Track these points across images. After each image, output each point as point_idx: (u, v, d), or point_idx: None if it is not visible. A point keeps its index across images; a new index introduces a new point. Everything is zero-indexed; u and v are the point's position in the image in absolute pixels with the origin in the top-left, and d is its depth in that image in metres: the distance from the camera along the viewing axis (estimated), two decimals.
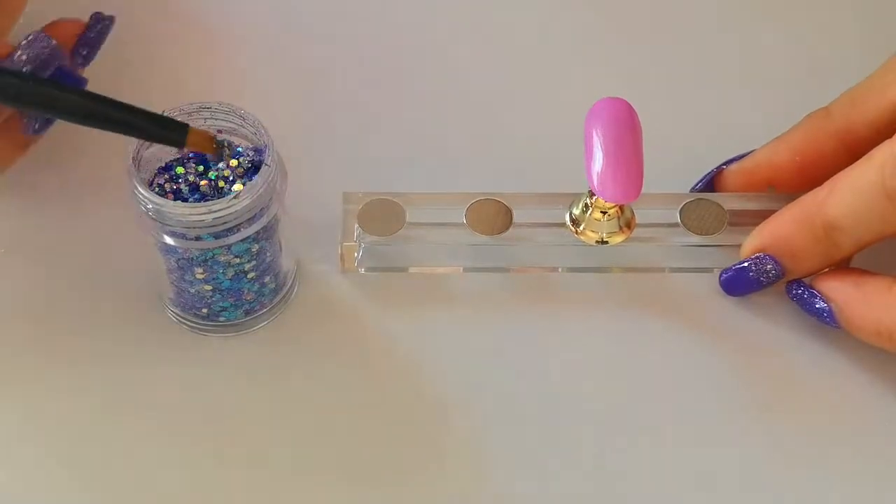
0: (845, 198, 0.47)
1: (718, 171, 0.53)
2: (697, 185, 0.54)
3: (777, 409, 0.49)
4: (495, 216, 0.51)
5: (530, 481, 0.48)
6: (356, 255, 0.51)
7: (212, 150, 0.46)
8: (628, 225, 0.51)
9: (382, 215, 0.51)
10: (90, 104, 0.45)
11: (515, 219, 0.51)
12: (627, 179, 0.48)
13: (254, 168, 0.46)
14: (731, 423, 0.49)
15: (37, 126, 0.50)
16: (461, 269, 0.52)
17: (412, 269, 0.52)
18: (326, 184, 0.54)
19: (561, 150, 0.53)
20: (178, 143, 0.45)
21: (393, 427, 0.49)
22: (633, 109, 0.49)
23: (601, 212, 0.50)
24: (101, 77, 0.56)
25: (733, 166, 0.53)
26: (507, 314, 0.51)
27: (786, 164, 0.51)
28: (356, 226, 0.51)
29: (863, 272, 0.49)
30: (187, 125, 0.45)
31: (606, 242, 0.51)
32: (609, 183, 0.48)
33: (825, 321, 0.49)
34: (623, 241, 0.51)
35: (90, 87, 0.50)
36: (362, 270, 0.52)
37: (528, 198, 0.52)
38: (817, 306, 0.49)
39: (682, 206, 0.52)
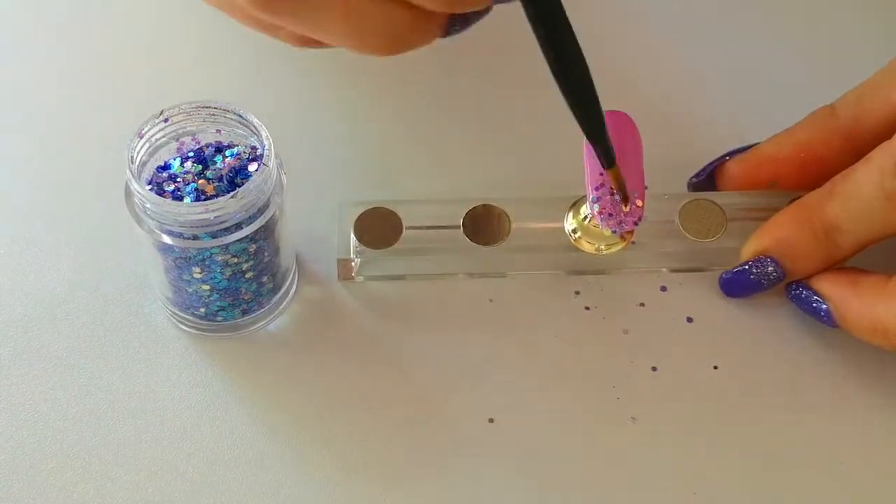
0: (845, 200, 0.47)
1: (720, 162, 0.53)
2: (699, 176, 0.53)
3: (777, 409, 0.49)
4: (494, 223, 0.51)
5: (531, 480, 0.47)
6: (353, 265, 0.51)
7: (620, 193, 0.48)
8: (629, 232, 0.51)
9: (379, 224, 0.51)
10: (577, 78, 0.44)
11: (514, 225, 0.51)
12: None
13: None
14: (731, 424, 0.49)
15: (457, 28, 0.45)
16: (459, 275, 0.52)
17: (410, 277, 0.52)
18: (326, 186, 0.54)
19: (560, 154, 0.53)
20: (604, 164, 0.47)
21: (391, 428, 0.49)
22: (633, 124, 0.48)
23: None
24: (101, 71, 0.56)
25: (736, 159, 0.52)
26: (507, 320, 0.51)
27: (790, 159, 0.51)
28: (353, 237, 0.50)
29: (859, 271, 0.49)
30: (614, 163, 0.46)
31: (603, 252, 0.51)
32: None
33: (823, 321, 0.49)
34: (621, 250, 0.51)
35: None
36: (360, 279, 0.52)
37: (526, 204, 0.51)
38: (815, 306, 0.49)
39: (681, 207, 0.52)
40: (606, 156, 0.46)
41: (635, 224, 0.48)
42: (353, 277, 0.52)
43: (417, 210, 0.51)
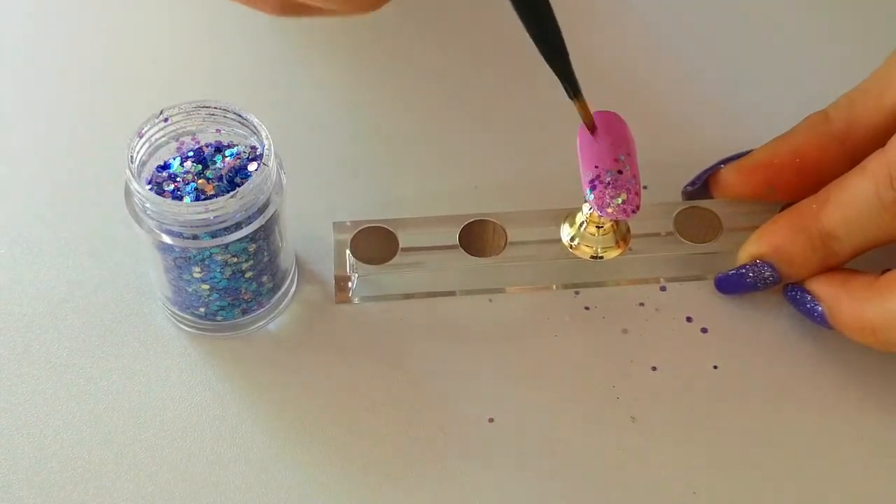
0: (840, 208, 0.47)
1: (715, 169, 0.53)
2: (694, 184, 0.53)
3: (776, 409, 0.49)
4: (489, 236, 0.51)
5: (531, 480, 0.47)
6: (350, 285, 0.51)
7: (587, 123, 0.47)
8: (624, 239, 0.51)
9: (374, 243, 0.50)
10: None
11: (510, 238, 0.51)
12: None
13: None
14: (731, 424, 0.49)
15: None
16: (457, 291, 0.52)
17: (408, 297, 0.52)
18: (326, 186, 0.54)
19: (554, 165, 0.53)
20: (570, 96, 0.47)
21: (391, 427, 0.49)
22: (623, 122, 0.48)
23: (596, 226, 0.50)
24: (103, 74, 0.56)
25: (731, 166, 0.52)
26: (506, 319, 0.51)
27: (786, 165, 0.51)
28: (349, 256, 0.50)
29: (850, 271, 0.49)
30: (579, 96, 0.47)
31: (601, 257, 0.50)
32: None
33: (818, 322, 0.49)
34: (619, 255, 0.51)
35: None
36: (356, 300, 0.52)
37: (521, 216, 0.51)
38: (809, 307, 0.49)
39: (675, 214, 0.51)
40: (573, 86, 0.46)
41: (633, 212, 0.48)
42: (349, 298, 0.51)
43: (412, 227, 0.51)
